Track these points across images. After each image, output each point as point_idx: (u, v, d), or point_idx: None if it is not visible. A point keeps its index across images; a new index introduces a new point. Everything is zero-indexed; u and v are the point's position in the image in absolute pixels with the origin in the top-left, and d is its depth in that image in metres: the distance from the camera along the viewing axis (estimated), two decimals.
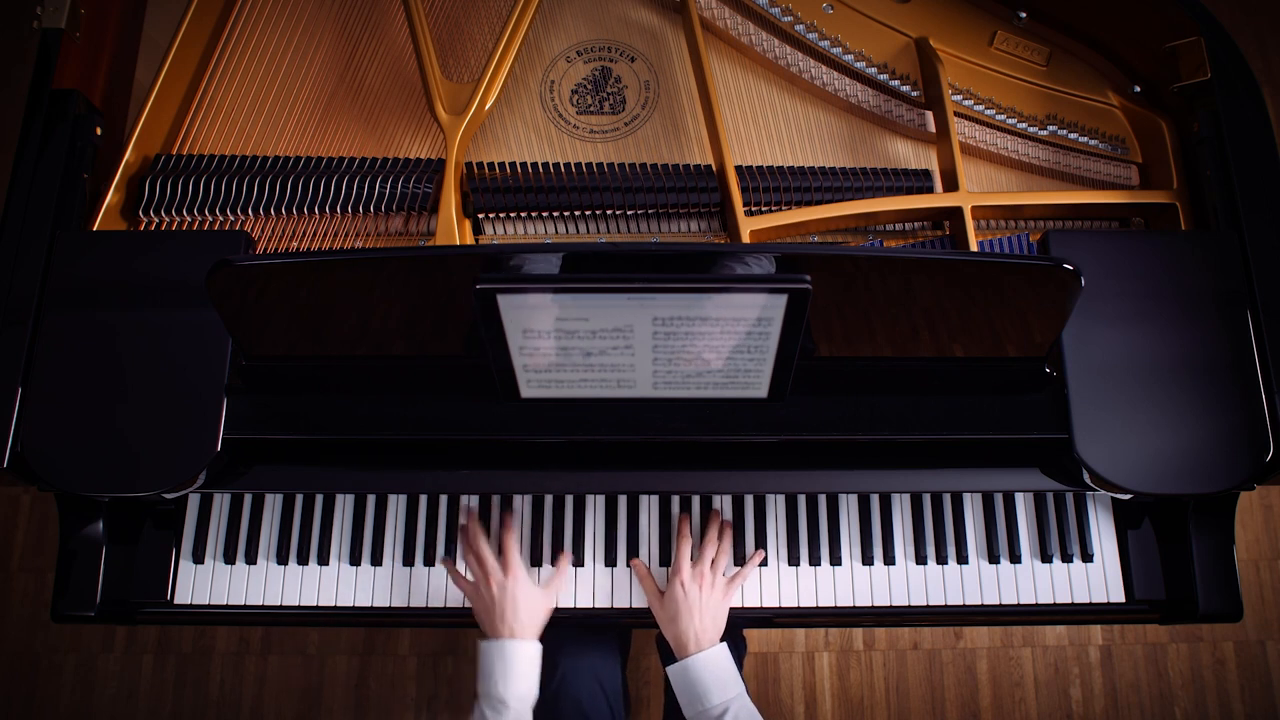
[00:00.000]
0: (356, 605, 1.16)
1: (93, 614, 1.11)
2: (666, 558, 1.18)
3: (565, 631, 1.32)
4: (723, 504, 1.20)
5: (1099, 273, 1.05)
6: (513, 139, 1.27)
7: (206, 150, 1.23)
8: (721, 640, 1.11)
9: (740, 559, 1.18)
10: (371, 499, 1.20)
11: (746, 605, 1.17)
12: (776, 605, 1.16)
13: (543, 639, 1.37)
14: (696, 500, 1.20)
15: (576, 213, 1.20)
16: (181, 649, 1.92)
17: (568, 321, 0.90)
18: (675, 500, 1.20)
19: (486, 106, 1.21)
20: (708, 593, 1.11)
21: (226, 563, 1.17)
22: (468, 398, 1.02)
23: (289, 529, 1.18)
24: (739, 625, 1.23)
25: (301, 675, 1.90)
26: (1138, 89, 1.28)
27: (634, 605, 1.16)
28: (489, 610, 1.10)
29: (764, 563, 1.18)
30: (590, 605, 1.16)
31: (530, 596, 1.11)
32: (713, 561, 1.14)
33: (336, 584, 1.17)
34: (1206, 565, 1.12)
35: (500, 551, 1.13)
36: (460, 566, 1.17)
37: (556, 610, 1.15)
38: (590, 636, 1.30)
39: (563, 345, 0.93)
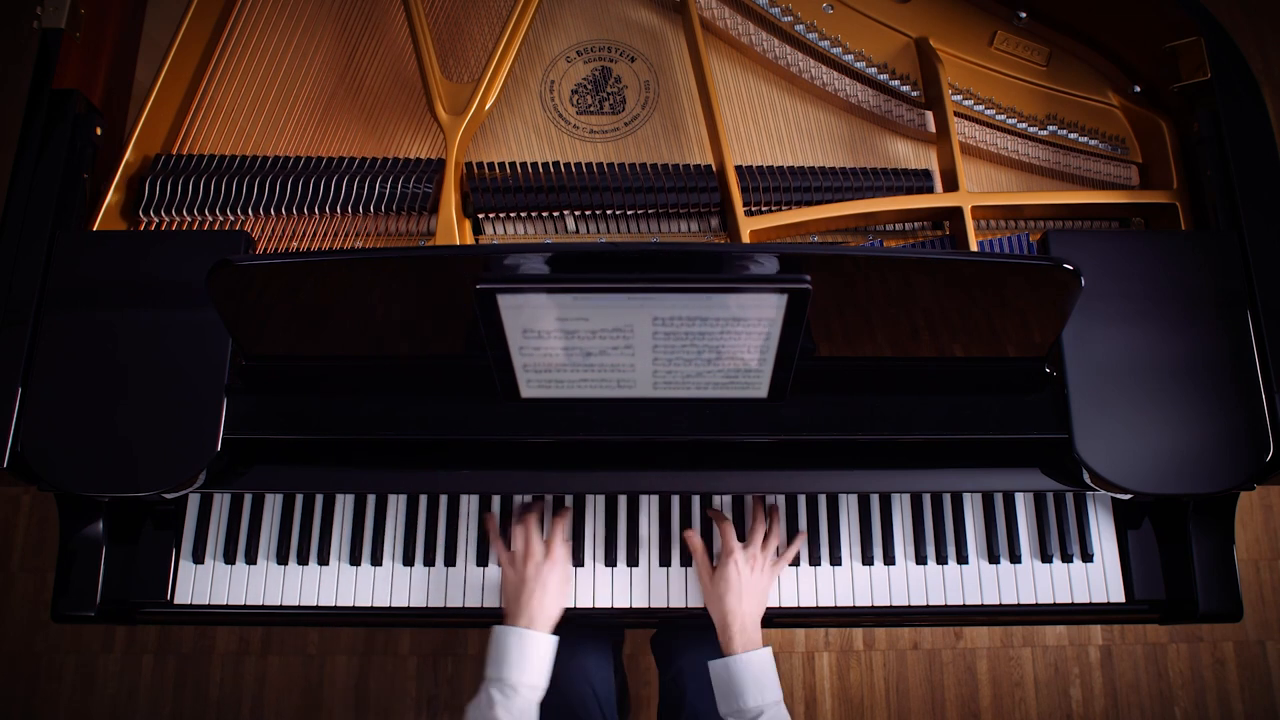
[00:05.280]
0: (356, 605, 1.16)
1: (93, 614, 1.11)
2: (666, 558, 1.18)
3: (557, 632, 1.32)
4: (723, 504, 1.20)
5: (1099, 273, 1.05)
6: (513, 139, 1.27)
7: (206, 150, 1.23)
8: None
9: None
10: (371, 499, 1.20)
11: None
12: (776, 605, 1.16)
13: None
14: (696, 500, 1.20)
15: (576, 212, 1.20)
16: (181, 649, 1.92)
17: (568, 321, 0.90)
18: (675, 500, 1.20)
19: (486, 106, 1.21)
20: (758, 575, 1.12)
21: (226, 563, 1.17)
22: (468, 398, 1.02)
23: (289, 529, 1.18)
24: None
25: (301, 675, 1.90)
26: (1138, 89, 1.28)
27: (633, 605, 1.16)
28: (517, 588, 1.11)
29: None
30: (590, 605, 1.16)
31: (561, 586, 1.12)
32: (763, 543, 1.15)
33: (336, 584, 1.17)
34: (1206, 565, 1.12)
35: (546, 540, 1.14)
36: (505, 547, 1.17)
37: None
38: (582, 638, 1.29)
39: (563, 345, 0.93)
